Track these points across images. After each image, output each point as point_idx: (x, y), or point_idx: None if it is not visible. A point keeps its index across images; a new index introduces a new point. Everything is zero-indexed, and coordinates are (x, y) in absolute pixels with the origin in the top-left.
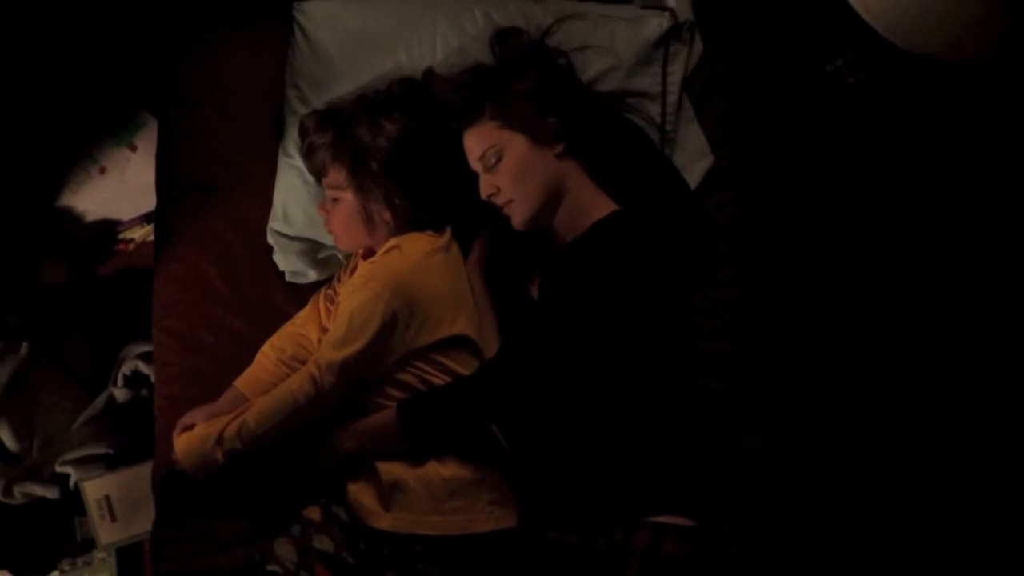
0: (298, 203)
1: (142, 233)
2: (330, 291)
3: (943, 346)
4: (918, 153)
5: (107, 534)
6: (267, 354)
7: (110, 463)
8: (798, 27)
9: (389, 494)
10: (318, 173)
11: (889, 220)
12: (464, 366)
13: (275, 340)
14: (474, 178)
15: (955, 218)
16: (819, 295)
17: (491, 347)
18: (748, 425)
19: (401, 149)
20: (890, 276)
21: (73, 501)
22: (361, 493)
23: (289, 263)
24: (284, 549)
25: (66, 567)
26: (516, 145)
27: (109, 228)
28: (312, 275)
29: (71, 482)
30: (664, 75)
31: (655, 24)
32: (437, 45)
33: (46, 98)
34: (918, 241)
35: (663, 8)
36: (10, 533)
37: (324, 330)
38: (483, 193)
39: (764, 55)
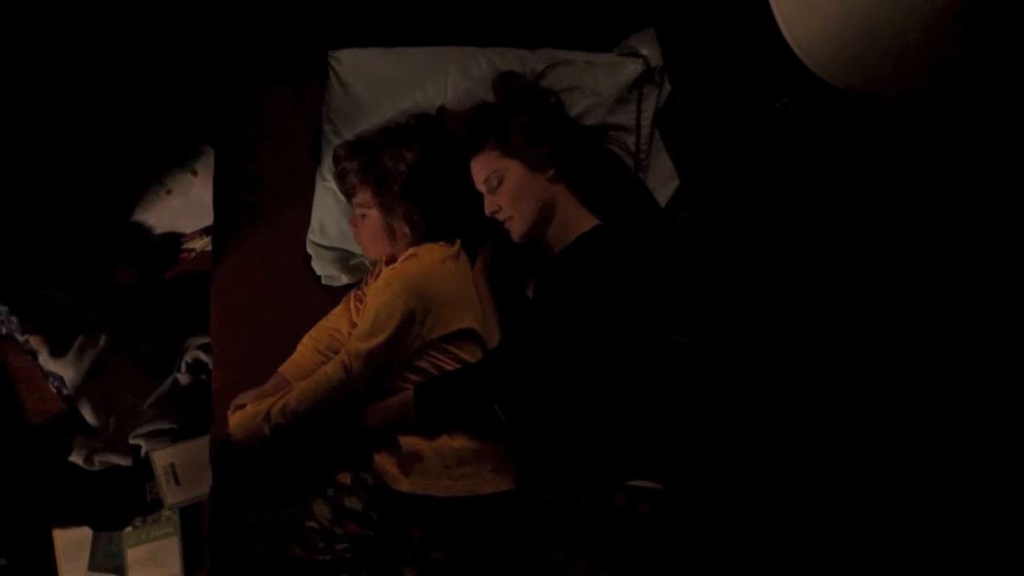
0: (332, 219)
1: (202, 243)
2: (359, 292)
3: (877, 333)
4: (851, 178)
5: (172, 496)
6: (306, 345)
7: (174, 436)
8: (750, 71)
9: (408, 462)
10: (349, 193)
11: (826, 233)
12: (471, 355)
13: (313, 333)
14: (479, 198)
15: (883, 231)
16: (768, 295)
17: (493, 339)
18: (706, 404)
19: (418, 173)
20: (827, 281)
21: (144, 468)
22: (385, 461)
23: (324, 269)
24: (320, 508)
25: (137, 523)
26: (514, 170)
27: (174, 239)
28: (344, 279)
29: (142, 452)
30: (638, 111)
31: (631, 69)
32: (448, 87)
33: (122, 134)
34: (852, 251)
35: (638, 55)
36: (91, 495)
37: (354, 325)
38: (487, 211)
39: (722, 95)
